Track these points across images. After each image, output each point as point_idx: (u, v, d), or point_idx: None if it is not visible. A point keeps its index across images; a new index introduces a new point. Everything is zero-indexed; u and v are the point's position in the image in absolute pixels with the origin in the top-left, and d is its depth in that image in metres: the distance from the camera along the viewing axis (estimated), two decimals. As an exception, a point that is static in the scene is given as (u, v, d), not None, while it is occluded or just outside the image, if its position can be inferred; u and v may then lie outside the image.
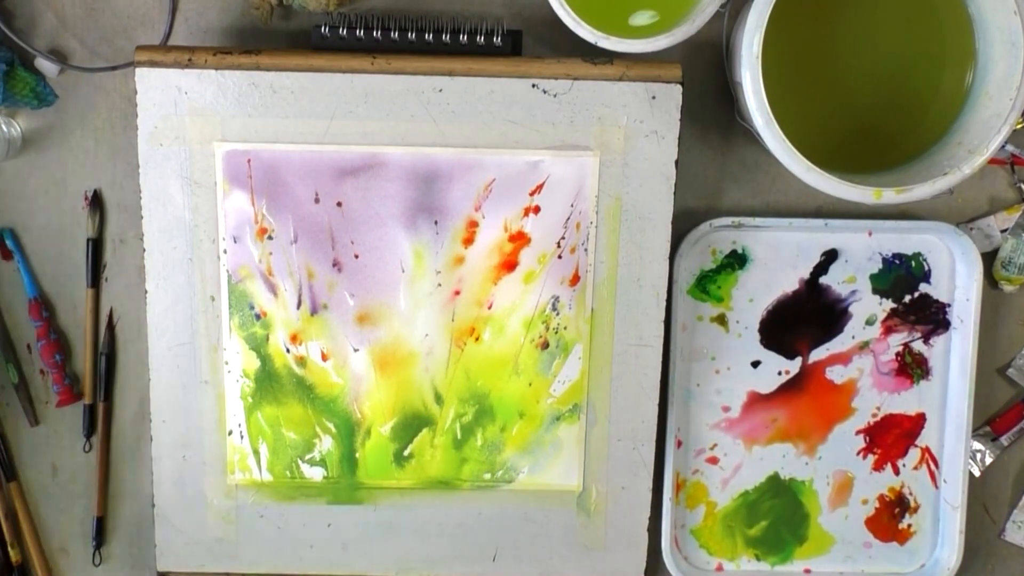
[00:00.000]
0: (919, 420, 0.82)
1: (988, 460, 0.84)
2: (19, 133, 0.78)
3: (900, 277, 0.80)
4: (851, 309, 0.80)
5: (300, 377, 0.77)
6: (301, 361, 0.76)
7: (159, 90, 0.72)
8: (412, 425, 0.78)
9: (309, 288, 0.75)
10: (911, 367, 0.81)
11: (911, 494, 0.83)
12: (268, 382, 0.77)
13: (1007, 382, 0.83)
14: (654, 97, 0.73)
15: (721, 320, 0.80)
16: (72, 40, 0.77)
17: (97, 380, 0.80)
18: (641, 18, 0.71)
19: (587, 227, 0.75)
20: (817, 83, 0.74)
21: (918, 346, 0.81)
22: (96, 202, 0.79)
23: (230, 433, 0.77)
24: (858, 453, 0.82)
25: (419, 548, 0.80)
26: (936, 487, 0.83)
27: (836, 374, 0.81)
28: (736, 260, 0.80)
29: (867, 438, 0.82)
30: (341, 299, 0.76)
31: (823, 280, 0.80)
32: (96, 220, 0.79)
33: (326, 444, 0.78)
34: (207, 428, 0.77)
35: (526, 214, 0.75)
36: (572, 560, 0.80)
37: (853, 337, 0.81)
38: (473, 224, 0.75)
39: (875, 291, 0.80)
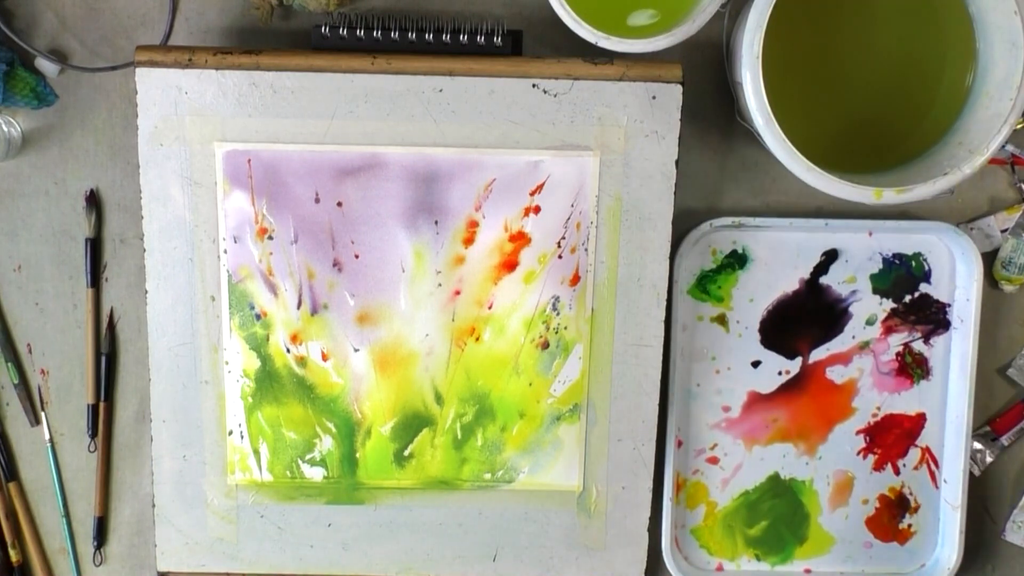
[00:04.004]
0: (919, 420, 0.82)
1: (988, 460, 0.84)
2: (19, 133, 0.78)
3: (900, 277, 0.80)
4: (851, 309, 0.80)
5: (300, 377, 0.77)
6: (301, 361, 0.76)
7: (159, 90, 0.72)
8: (412, 425, 0.78)
9: (309, 288, 0.75)
10: (911, 367, 0.81)
11: (911, 494, 0.83)
12: (268, 382, 0.77)
13: (1007, 382, 0.83)
14: (654, 97, 0.73)
15: (721, 320, 0.80)
16: (72, 40, 0.77)
17: (97, 380, 0.80)
18: (641, 17, 0.71)
19: (587, 227, 0.75)
20: (817, 83, 0.74)
21: (918, 346, 0.81)
22: (93, 201, 0.79)
23: (230, 433, 0.77)
24: (858, 453, 0.82)
25: (419, 548, 0.80)
26: (936, 487, 0.83)
27: (836, 374, 0.81)
28: (736, 260, 0.80)
29: (867, 438, 0.82)
30: (341, 299, 0.76)
31: (823, 280, 0.80)
32: (93, 219, 0.79)
33: (326, 444, 0.78)
34: (207, 428, 0.77)
35: (526, 214, 0.75)
36: (572, 560, 0.80)
37: (853, 337, 0.81)
38: (473, 224, 0.75)
39: (875, 291, 0.80)
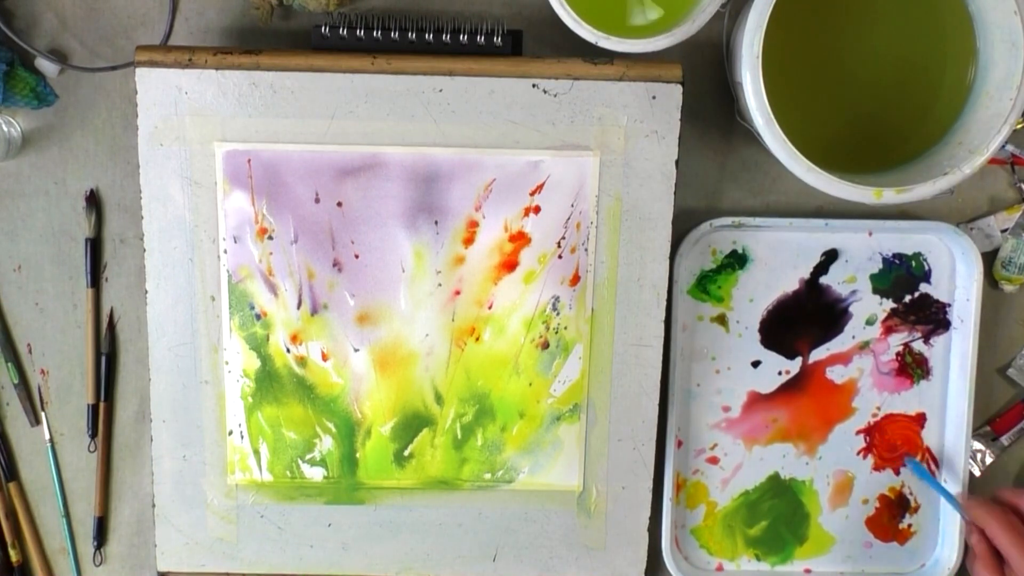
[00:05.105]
0: (919, 420, 0.82)
1: (988, 460, 0.84)
2: (19, 133, 0.78)
3: (900, 277, 0.80)
4: (851, 309, 0.80)
5: (300, 377, 0.77)
6: (301, 361, 0.76)
7: (159, 90, 0.72)
8: (412, 425, 0.78)
9: (309, 288, 0.75)
10: (911, 367, 0.81)
11: (911, 494, 0.83)
12: (268, 382, 0.77)
13: (1007, 382, 0.83)
14: (654, 97, 0.73)
15: (721, 320, 0.80)
16: (72, 40, 0.77)
17: (97, 380, 0.80)
18: (652, 12, 0.71)
19: (587, 227, 0.75)
20: (817, 83, 0.74)
21: (918, 346, 0.81)
22: (93, 201, 0.79)
23: (230, 433, 0.77)
24: (858, 453, 0.82)
25: (419, 548, 0.80)
26: (936, 487, 0.83)
27: (836, 374, 0.81)
28: (736, 260, 0.80)
29: (867, 438, 0.82)
30: (341, 299, 0.76)
31: (823, 280, 0.80)
32: (93, 220, 0.79)
33: (326, 444, 0.78)
34: (207, 428, 0.77)
35: (526, 214, 0.75)
36: (572, 560, 0.80)
37: (853, 337, 0.81)
38: (473, 224, 0.75)
39: (875, 291, 0.80)
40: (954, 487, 0.81)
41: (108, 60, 0.78)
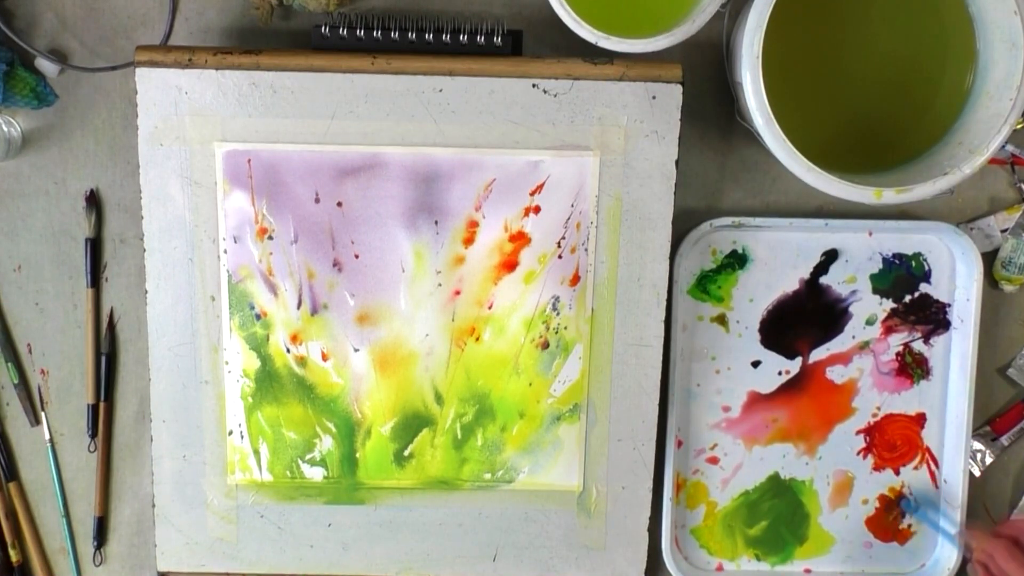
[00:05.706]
0: (919, 420, 0.82)
1: (988, 460, 0.84)
2: (19, 133, 0.78)
3: (900, 277, 0.80)
4: (851, 309, 0.80)
5: (300, 377, 0.77)
6: (301, 361, 0.76)
7: (159, 90, 0.72)
8: (412, 425, 0.78)
9: (309, 288, 0.75)
10: (911, 367, 0.81)
11: (911, 494, 0.83)
12: (268, 382, 0.77)
13: (1007, 382, 0.83)
14: (654, 97, 0.73)
15: (721, 320, 0.80)
16: (72, 40, 0.77)
17: (97, 380, 0.80)
18: (651, 12, 0.71)
19: (587, 227, 0.75)
20: (817, 83, 0.74)
21: (918, 346, 0.81)
22: (93, 201, 0.79)
23: (230, 433, 0.77)
24: (858, 453, 0.82)
25: (419, 548, 0.80)
26: (936, 487, 0.83)
27: (836, 374, 0.81)
28: (736, 260, 0.80)
29: (867, 438, 0.82)
30: (341, 299, 0.76)
31: (823, 280, 0.80)
32: (93, 220, 0.79)
33: (326, 444, 0.78)
34: (207, 428, 0.77)
35: (526, 214, 0.75)
36: (572, 560, 0.80)
37: (853, 337, 0.81)
38: (473, 224, 0.75)
39: (875, 291, 0.80)
40: (954, 487, 0.81)
41: (108, 60, 0.78)
